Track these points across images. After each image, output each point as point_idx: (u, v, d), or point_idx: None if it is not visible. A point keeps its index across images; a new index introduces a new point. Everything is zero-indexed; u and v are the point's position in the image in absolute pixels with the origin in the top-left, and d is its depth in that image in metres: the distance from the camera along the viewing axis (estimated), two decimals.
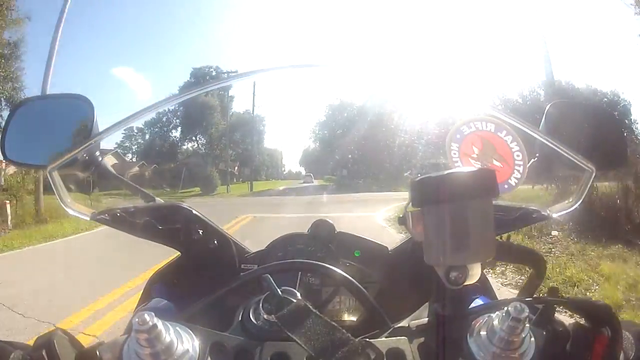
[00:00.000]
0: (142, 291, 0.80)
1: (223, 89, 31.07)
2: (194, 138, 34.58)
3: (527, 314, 0.39)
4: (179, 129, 34.67)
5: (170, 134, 34.99)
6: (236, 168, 35.15)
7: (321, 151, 36.69)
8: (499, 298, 0.60)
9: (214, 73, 34.14)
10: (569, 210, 0.68)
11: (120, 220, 0.72)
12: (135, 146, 35.33)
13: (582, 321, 0.44)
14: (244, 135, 34.64)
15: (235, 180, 33.72)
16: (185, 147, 35.35)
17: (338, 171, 31.45)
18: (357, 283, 0.62)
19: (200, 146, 34.85)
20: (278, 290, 0.53)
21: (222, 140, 33.12)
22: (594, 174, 0.64)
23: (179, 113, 34.17)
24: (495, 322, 0.42)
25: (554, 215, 0.68)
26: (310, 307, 0.48)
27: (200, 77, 32.85)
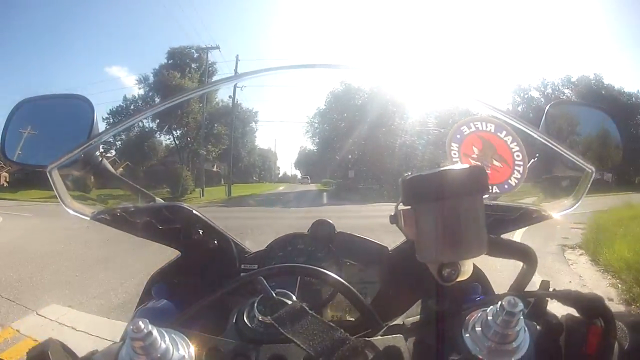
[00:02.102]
0: (142, 290, 0.80)
1: (203, 72, 27.17)
2: (167, 130, 28.93)
3: (521, 307, 0.39)
4: (150, 119, 27.26)
5: (140, 125, 27.67)
6: (223, 168, 30.51)
7: (320, 150, 31.17)
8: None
9: (195, 55, 28.49)
10: (569, 210, 0.68)
11: (120, 220, 0.72)
12: (119, 142, 28.67)
13: (575, 313, 0.45)
14: (230, 130, 28.52)
15: (223, 182, 28.60)
16: (159, 141, 29.69)
17: (340, 173, 26.16)
18: (349, 286, 0.62)
19: (174, 140, 29.41)
20: (272, 292, 0.53)
21: (199, 134, 27.94)
22: (593, 174, 0.64)
23: (148, 99, 28.07)
24: (490, 317, 0.42)
25: (555, 215, 0.68)
26: (306, 308, 0.48)
27: (178, 58, 28.48)
